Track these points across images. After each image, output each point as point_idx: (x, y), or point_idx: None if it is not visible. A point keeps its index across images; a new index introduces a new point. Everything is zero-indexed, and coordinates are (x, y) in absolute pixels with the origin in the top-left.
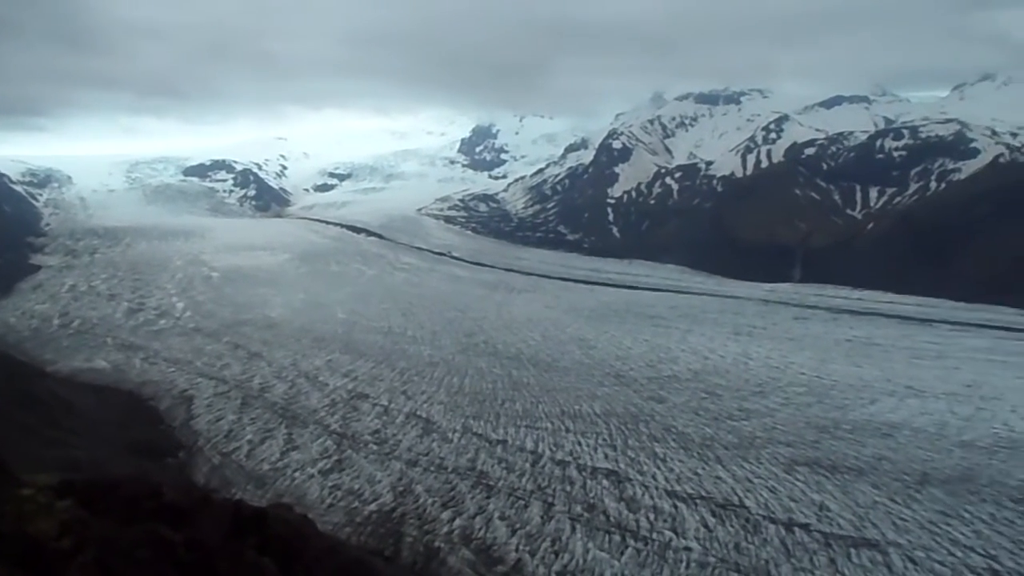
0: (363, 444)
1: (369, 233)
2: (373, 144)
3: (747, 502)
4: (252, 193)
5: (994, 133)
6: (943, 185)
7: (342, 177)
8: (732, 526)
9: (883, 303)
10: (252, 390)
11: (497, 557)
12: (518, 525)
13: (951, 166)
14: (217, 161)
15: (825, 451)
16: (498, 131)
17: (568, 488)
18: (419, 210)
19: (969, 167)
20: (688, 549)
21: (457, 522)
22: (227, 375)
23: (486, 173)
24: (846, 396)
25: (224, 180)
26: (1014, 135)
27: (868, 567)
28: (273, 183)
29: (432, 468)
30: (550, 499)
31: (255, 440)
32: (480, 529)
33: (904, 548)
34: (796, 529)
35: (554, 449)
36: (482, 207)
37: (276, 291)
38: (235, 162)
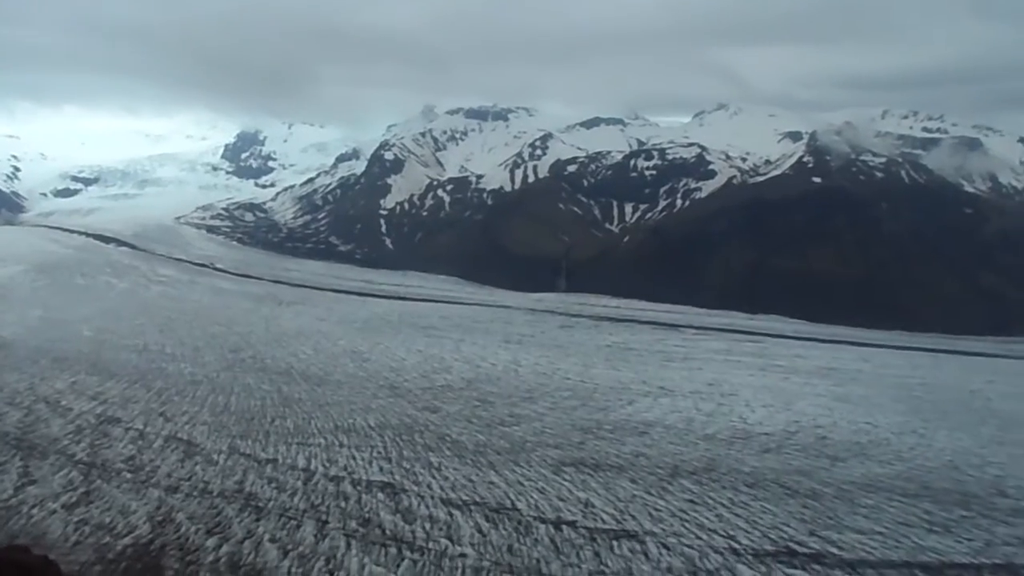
0: (115, 473)
1: (120, 243)
2: (124, 147)
3: (519, 504)
4: None
5: (728, 157)
6: (687, 203)
7: (88, 182)
8: (505, 529)
9: (638, 311)
10: None
11: None
12: (290, 546)
13: (693, 185)
14: None
15: (589, 451)
16: (265, 138)
17: (343, 504)
18: (178, 219)
19: (708, 187)
20: (463, 555)
21: (224, 548)
22: None
23: (252, 181)
24: (607, 398)
25: None
26: (743, 159)
27: (628, 556)
28: (3, 186)
29: (195, 493)
30: (324, 516)
31: None
32: (249, 554)
33: (659, 536)
34: (564, 527)
35: (327, 465)
36: (248, 216)
37: (6, 307)
38: None
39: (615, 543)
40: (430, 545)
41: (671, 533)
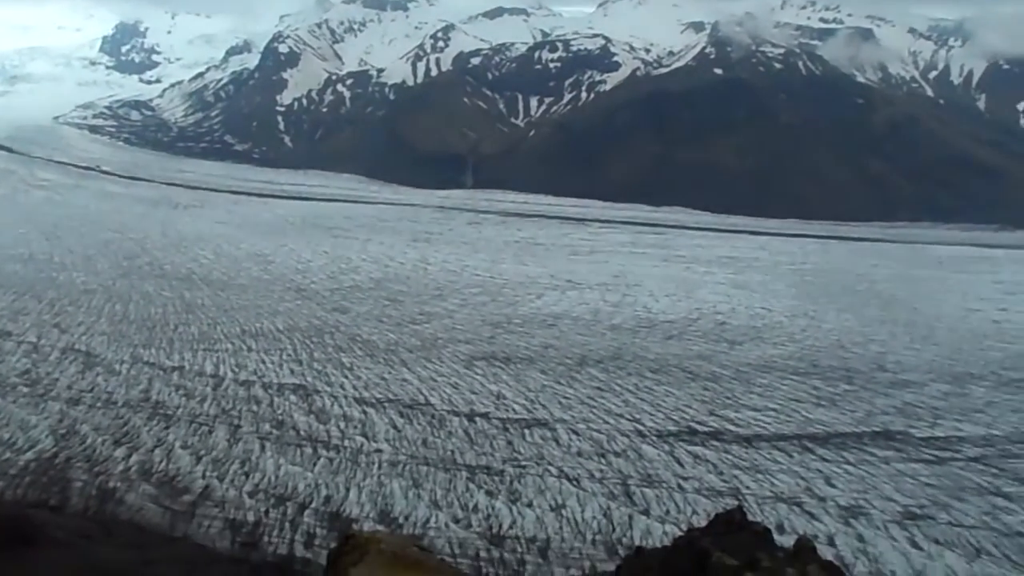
0: (10, 388)
1: None
2: None
3: (432, 399)
4: None
5: (632, 48)
6: (592, 96)
7: None
8: (419, 424)
9: (545, 205)
10: None
11: (182, 487)
12: (203, 452)
13: (598, 78)
14: None
15: (500, 345)
16: (147, 29)
17: (255, 408)
18: (56, 118)
19: (613, 79)
20: (379, 451)
21: (134, 458)
22: None
23: (136, 77)
24: (516, 293)
25: None
26: (647, 51)
27: (540, 443)
28: None
29: (99, 405)
30: (236, 421)
31: None
32: (161, 462)
33: (568, 423)
34: (477, 419)
35: (237, 370)
36: (135, 115)
37: None
38: None
39: (527, 431)
40: (345, 443)
41: (580, 419)
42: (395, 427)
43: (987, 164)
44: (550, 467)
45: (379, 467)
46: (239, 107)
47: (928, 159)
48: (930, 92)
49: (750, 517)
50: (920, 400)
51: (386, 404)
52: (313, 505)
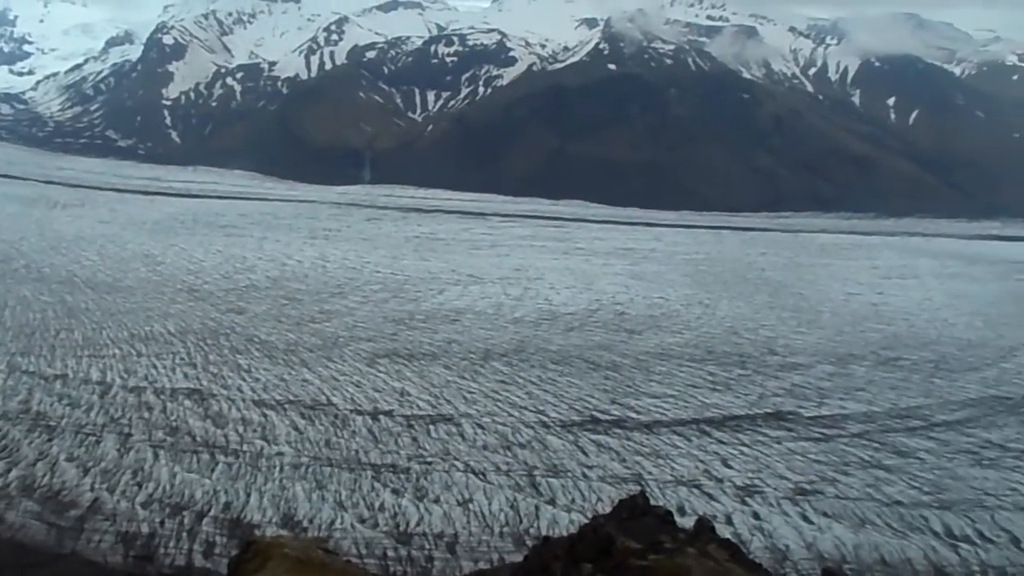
0: None
1: None
2: None
3: (334, 399)
4: None
5: (528, 44)
6: (489, 90)
7: None
8: (322, 424)
9: (445, 200)
10: None
11: (69, 501)
12: (91, 463)
13: (495, 72)
14: None
15: (403, 342)
16: (16, 17)
17: (146, 415)
18: None
19: (509, 74)
20: (280, 454)
21: (13, 473)
22: None
23: (6, 68)
24: (418, 289)
25: None
26: (543, 46)
27: (445, 439)
28: None
29: None
30: (126, 430)
31: None
32: (44, 476)
33: (473, 417)
34: (381, 417)
35: (125, 376)
36: (5, 109)
37: None
38: None
39: (432, 427)
40: (244, 447)
41: (485, 413)
42: (297, 429)
43: (863, 156)
44: (456, 462)
45: (281, 470)
46: (121, 101)
47: (810, 152)
48: (810, 88)
49: (652, 501)
50: (807, 381)
51: (287, 406)
52: (212, 513)
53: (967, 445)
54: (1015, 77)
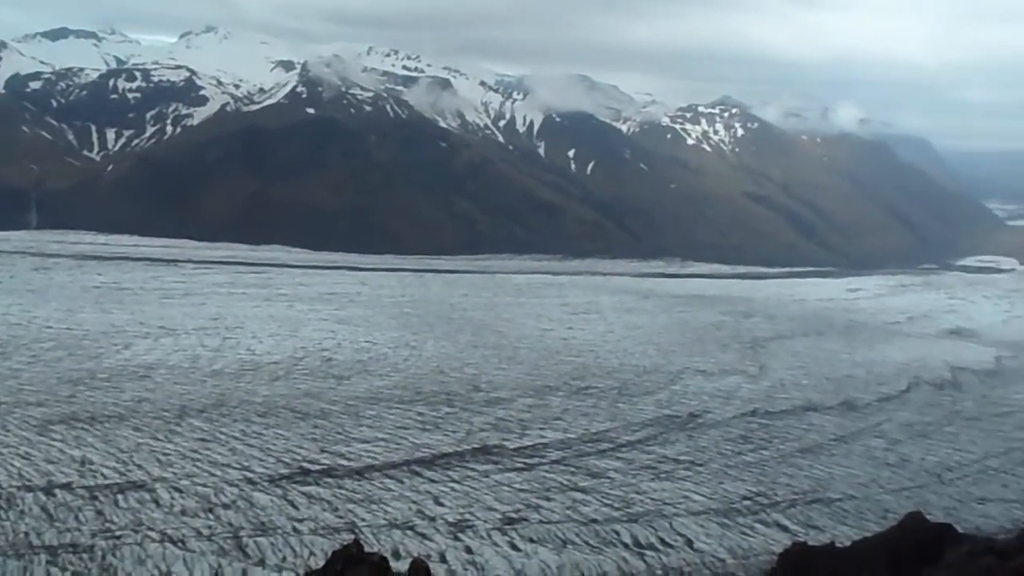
0: None
1: None
2: None
3: None
4: None
5: (220, 83)
6: (179, 129)
7: None
8: None
9: (129, 246)
10: None
11: None
12: None
13: (184, 111)
14: None
15: (82, 403)
16: None
17: None
18: None
19: (200, 113)
20: None
21: None
22: None
23: None
24: (99, 344)
25: None
26: (237, 86)
27: (137, 508)
28: None
29: None
30: None
31: None
32: None
33: (169, 480)
34: (57, 491)
35: None
36: None
37: None
38: None
39: (120, 497)
40: None
41: (183, 475)
42: None
43: (550, 202)
44: (150, 532)
45: None
46: None
47: (503, 198)
48: (501, 138)
49: (367, 548)
50: (510, 414)
51: None
52: None
53: (648, 461)
54: (668, 136)
